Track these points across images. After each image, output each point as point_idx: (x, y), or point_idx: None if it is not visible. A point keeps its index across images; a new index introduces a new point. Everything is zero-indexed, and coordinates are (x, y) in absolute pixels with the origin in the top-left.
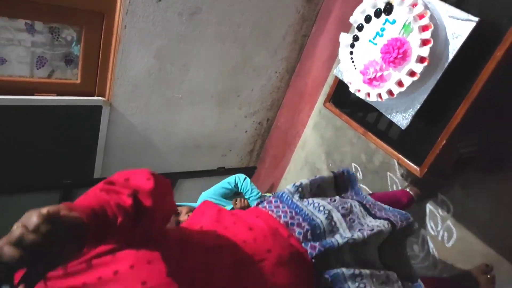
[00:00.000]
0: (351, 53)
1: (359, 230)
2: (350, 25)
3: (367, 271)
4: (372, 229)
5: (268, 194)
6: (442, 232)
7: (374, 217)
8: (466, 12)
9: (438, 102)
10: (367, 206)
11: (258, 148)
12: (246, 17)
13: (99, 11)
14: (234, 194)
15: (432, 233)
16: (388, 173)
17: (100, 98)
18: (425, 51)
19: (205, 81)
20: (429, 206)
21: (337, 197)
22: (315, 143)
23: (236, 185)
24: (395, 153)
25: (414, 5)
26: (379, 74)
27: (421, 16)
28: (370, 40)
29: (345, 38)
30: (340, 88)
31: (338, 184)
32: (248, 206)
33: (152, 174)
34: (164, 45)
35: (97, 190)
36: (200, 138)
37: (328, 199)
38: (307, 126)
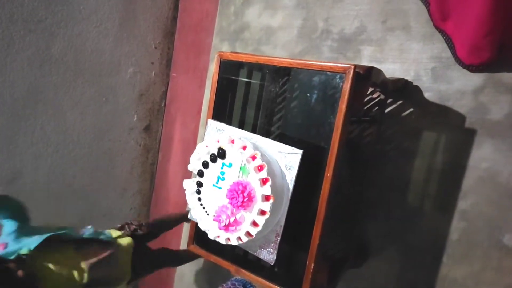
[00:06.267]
0: (199, 199)
1: None
2: (194, 147)
3: None
4: None
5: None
6: None
7: None
8: (291, 146)
9: (295, 228)
10: None
11: None
12: (81, 165)
13: None
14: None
15: None
16: None
17: None
18: (267, 190)
19: None
20: None
21: None
22: (193, 273)
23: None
24: (272, 285)
25: (244, 147)
26: (232, 219)
27: (253, 157)
28: (214, 185)
29: (189, 186)
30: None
31: None
32: None
33: None
34: None
35: None
36: None
37: None
38: None
